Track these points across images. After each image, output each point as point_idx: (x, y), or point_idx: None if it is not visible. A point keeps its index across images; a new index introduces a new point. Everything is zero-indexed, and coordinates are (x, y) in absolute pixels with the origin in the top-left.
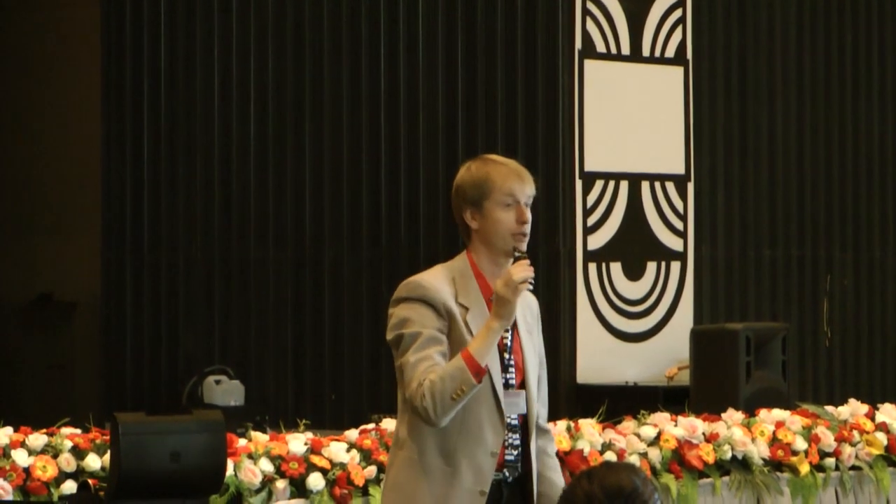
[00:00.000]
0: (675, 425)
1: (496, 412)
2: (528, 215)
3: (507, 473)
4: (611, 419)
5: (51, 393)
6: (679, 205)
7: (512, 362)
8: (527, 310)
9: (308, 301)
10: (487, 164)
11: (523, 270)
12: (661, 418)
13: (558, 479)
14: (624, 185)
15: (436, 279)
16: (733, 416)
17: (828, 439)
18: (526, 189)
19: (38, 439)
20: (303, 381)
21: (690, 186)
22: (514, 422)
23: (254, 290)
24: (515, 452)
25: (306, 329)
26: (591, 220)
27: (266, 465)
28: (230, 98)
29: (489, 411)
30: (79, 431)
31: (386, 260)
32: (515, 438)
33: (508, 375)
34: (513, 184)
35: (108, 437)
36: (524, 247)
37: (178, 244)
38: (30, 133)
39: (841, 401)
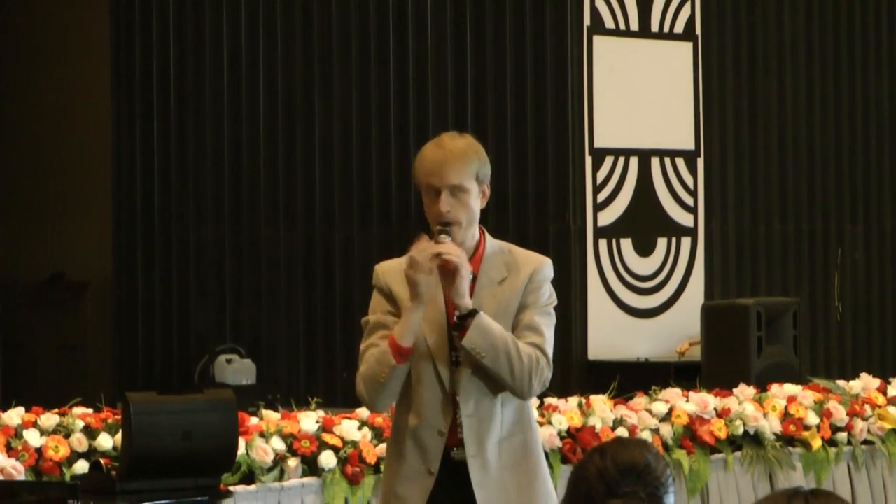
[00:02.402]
0: (687, 401)
1: (440, 391)
2: (446, 204)
3: None
4: (622, 395)
5: (62, 373)
6: (689, 180)
7: None
8: (512, 281)
9: (319, 279)
10: (422, 152)
11: (417, 250)
12: (673, 394)
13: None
14: (634, 161)
15: (392, 264)
16: (745, 391)
17: (840, 414)
18: (447, 178)
19: (49, 419)
20: (314, 359)
21: (700, 162)
22: None
23: (264, 269)
24: None
25: (317, 307)
26: (601, 197)
27: (278, 444)
28: (239, 78)
29: (433, 390)
30: (90, 411)
31: (396, 238)
32: None
33: (458, 354)
34: (430, 178)
35: (119, 417)
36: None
37: (189, 224)
38: (40, 114)
39: (853, 375)
